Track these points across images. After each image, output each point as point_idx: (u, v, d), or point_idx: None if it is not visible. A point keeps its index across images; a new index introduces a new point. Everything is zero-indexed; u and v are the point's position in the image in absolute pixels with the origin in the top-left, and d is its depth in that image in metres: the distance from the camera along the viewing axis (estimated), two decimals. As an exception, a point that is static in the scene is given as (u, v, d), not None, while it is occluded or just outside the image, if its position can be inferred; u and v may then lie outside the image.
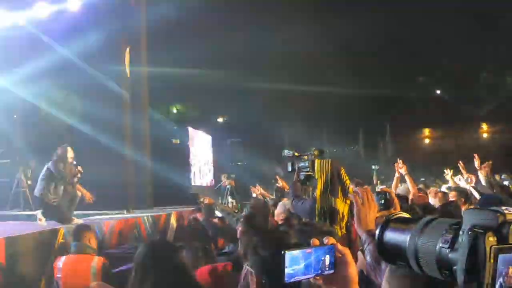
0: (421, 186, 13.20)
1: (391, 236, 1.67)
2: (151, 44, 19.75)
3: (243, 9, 34.44)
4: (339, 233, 5.72)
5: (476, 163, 10.96)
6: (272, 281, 2.68)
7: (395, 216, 1.72)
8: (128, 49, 18.44)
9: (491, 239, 1.35)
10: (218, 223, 8.84)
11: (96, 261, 6.72)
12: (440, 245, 1.47)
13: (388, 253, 1.68)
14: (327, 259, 1.92)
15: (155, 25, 20.39)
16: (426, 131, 47.80)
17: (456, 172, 12.14)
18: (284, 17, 37.32)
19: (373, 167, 21.19)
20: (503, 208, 1.41)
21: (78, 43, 18.19)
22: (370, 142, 41.34)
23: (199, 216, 8.79)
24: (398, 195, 6.67)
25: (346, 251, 1.95)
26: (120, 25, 18.37)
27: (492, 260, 1.34)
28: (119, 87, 18.16)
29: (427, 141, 48.26)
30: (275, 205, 9.91)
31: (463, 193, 8.76)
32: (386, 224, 1.70)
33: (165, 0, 22.80)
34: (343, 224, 5.84)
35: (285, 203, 7.83)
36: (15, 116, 20.97)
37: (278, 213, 7.57)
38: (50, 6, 16.42)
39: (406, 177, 9.32)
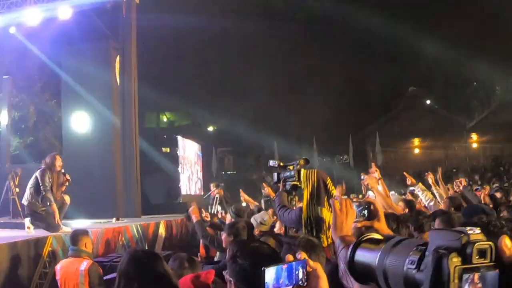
0: (406, 196, 13.16)
1: (361, 256, 1.71)
2: (141, 52, 19.77)
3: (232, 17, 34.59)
4: (325, 243, 5.73)
5: (430, 180, 10.77)
6: None
7: (367, 237, 1.76)
8: (118, 58, 18.45)
9: (455, 260, 1.37)
10: (209, 232, 8.86)
11: (85, 264, 7.12)
12: (407, 266, 1.49)
13: (358, 273, 1.72)
14: (300, 273, 2.00)
15: (146, 33, 20.44)
16: (416, 141, 47.83)
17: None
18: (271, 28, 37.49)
19: (362, 177, 21.10)
20: (467, 228, 1.44)
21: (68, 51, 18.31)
22: (359, 152, 41.31)
23: (194, 219, 8.78)
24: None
25: (317, 266, 2.02)
26: (110, 34, 18.43)
27: (456, 280, 1.37)
28: (110, 94, 18.18)
29: (416, 150, 48.28)
30: (259, 211, 9.97)
31: (455, 202, 8.71)
32: (357, 244, 1.74)
33: (156, 9, 22.88)
34: (329, 233, 5.83)
35: (255, 217, 7.93)
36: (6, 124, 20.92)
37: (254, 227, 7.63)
38: (40, 13, 16.39)
39: (380, 182, 9.09)
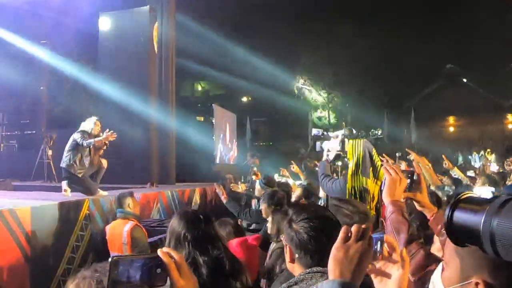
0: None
1: (461, 217, 1.58)
2: (179, 21, 19.71)
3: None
4: (369, 214, 5.66)
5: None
6: (305, 256, 2.66)
7: (465, 196, 1.65)
8: (155, 26, 18.43)
9: None
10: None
11: (128, 226, 7.53)
12: None
13: (458, 234, 1.59)
14: (378, 246, 1.97)
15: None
16: (451, 119, 47.40)
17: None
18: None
19: (396, 154, 21.06)
20: None
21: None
22: (394, 128, 41.08)
23: (223, 199, 8.81)
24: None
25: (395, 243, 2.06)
26: (149, 0, 18.41)
27: None
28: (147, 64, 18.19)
29: (451, 129, 47.83)
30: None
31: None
32: (455, 204, 1.62)
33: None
34: (373, 205, 5.73)
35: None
36: (42, 87, 21.04)
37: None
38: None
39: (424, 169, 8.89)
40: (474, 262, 1.60)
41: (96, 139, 10.67)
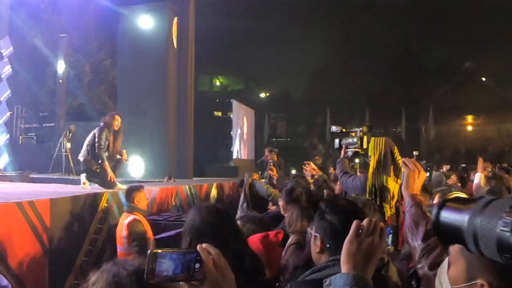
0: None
1: (448, 216, 1.63)
2: (198, 15, 19.73)
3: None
4: (388, 212, 5.62)
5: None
6: (336, 247, 2.69)
7: (452, 196, 1.67)
8: (175, 20, 18.46)
9: None
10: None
11: (128, 219, 7.73)
12: (500, 228, 1.40)
13: (445, 233, 1.64)
14: (389, 239, 2.05)
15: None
16: (469, 118, 47.10)
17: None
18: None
19: (414, 153, 21.01)
20: None
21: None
22: (412, 126, 40.96)
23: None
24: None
25: None
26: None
27: None
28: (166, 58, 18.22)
29: (469, 127, 47.54)
30: (324, 181, 9.78)
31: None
32: (442, 204, 1.67)
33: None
34: (393, 203, 5.70)
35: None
36: (61, 81, 21.13)
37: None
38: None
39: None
40: (479, 264, 1.61)
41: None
